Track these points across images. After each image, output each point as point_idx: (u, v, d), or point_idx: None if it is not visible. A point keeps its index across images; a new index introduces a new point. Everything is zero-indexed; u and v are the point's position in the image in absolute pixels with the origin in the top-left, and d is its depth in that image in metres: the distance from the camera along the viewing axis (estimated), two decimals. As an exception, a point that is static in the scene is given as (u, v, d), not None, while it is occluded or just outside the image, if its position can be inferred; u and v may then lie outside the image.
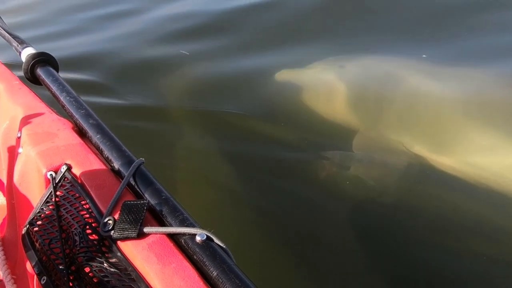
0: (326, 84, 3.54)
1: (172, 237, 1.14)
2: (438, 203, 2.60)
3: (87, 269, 1.13)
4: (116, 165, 1.37)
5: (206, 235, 1.09)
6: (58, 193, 1.34)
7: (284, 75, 3.70)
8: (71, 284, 1.14)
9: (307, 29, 4.28)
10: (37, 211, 1.35)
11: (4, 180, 1.73)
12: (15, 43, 2.02)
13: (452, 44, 3.75)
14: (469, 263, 2.28)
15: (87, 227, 1.22)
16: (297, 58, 3.83)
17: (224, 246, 1.09)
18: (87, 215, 1.25)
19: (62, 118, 1.65)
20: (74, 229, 1.23)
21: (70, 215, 1.28)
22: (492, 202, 2.58)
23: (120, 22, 4.92)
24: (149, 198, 1.24)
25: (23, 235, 1.34)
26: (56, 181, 1.37)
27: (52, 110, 1.72)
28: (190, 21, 4.64)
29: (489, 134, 2.87)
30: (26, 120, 1.64)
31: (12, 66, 2.39)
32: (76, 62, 4.09)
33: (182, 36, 4.39)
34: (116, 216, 1.18)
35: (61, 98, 1.69)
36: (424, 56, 3.59)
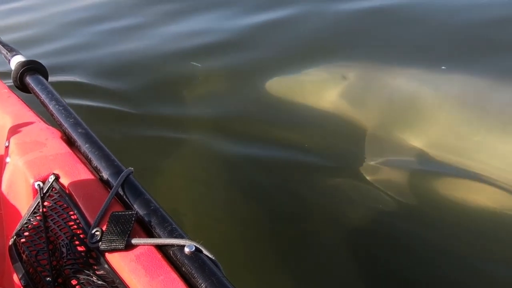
0: (328, 89, 3.55)
1: (161, 248, 1.12)
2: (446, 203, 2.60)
3: (74, 282, 1.11)
4: (105, 175, 1.36)
5: (195, 246, 1.08)
6: (45, 203, 1.32)
7: (282, 83, 3.70)
8: (57, 297, 1.12)
9: (322, 46, 4.23)
10: (25, 222, 1.33)
11: (-8, 190, 1.71)
12: (4, 51, 2.01)
13: (471, 60, 3.73)
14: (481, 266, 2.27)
15: (75, 238, 1.20)
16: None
17: (213, 258, 1.07)
18: (75, 226, 1.24)
19: (50, 127, 1.63)
20: (62, 240, 1.21)
21: (58, 226, 1.26)
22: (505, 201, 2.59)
23: (131, 36, 4.87)
24: (138, 208, 1.23)
25: (10, 247, 1.32)
26: (44, 192, 1.36)
27: (41, 119, 1.70)
28: (204, 38, 4.60)
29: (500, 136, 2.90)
30: (14, 129, 1.62)
31: (1, 74, 2.37)
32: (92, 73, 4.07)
33: (195, 51, 4.34)
34: (104, 227, 1.16)
35: (50, 107, 1.67)
36: (443, 67, 3.58)
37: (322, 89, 3.58)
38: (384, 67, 3.74)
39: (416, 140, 2.98)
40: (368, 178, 2.75)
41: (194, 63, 4.03)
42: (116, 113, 3.46)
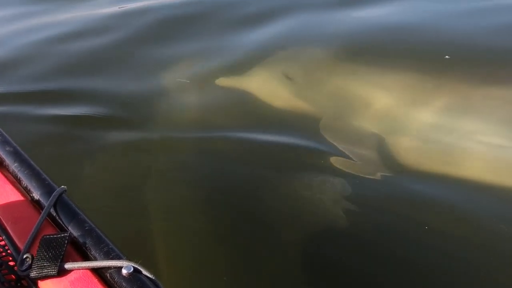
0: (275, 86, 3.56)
1: (97, 271, 1.06)
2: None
3: (3, 314, 1.03)
4: (36, 195, 1.27)
5: (133, 267, 1.02)
6: (-29, 230, 1.23)
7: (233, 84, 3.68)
8: (-15, 332, 1.04)
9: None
10: None
11: None
12: None
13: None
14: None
15: (3, 266, 1.12)
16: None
17: (153, 278, 1.02)
18: (3, 253, 1.15)
19: None
20: (-11, 269, 1.12)
21: (-16, 254, 1.17)
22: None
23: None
24: (72, 229, 1.15)
25: None
26: (-31, 217, 1.26)
27: None
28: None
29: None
30: None
31: None
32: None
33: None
34: (35, 253, 1.08)
35: (-25, 125, 1.56)
36: (447, 57, 3.65)
37: (269, 85, 3.60)
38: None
39: (367, 126, 3.04)
40: (325, 168, 2.73)
41: (181, 80, 3.91)
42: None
